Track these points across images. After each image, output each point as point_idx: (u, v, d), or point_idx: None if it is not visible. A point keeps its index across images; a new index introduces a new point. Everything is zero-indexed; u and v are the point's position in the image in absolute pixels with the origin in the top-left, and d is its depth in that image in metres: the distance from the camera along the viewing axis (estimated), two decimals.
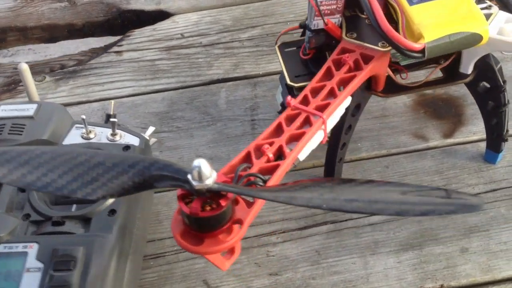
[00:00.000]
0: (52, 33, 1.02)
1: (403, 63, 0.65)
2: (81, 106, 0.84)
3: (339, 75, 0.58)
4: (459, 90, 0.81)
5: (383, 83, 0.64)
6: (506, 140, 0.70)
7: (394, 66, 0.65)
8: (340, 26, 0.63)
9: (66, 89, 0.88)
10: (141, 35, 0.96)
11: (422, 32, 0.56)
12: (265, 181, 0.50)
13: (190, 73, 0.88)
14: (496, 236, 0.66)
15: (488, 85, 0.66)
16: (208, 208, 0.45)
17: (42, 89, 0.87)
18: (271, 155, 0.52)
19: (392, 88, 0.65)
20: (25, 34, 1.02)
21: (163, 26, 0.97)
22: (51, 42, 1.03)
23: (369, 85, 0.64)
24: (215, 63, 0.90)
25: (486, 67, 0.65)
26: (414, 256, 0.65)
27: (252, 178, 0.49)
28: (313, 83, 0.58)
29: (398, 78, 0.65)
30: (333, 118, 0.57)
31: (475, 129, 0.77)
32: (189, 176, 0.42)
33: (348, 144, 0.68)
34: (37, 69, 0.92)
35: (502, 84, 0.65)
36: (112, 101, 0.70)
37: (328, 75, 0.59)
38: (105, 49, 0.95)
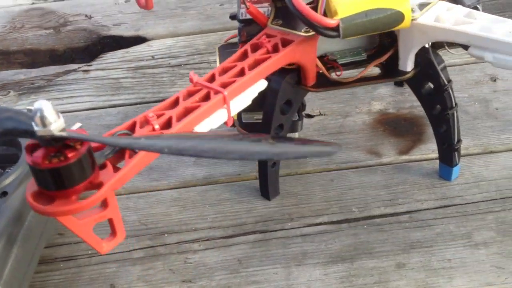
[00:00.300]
0: (34, 58, 1.04)
1: (340, 61, 0.62)
2: None
3: (253, 56, 0.55)
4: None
5: (313, 77, 0.60)
6: (457, 150, 0.64)
7: (330, 64, 0.61)
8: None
9: (26, 102, 0.87)
10: (112, 56, 0.96)
11: (336, 8, 0.52)
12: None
13: (152, 90, 0.87)
14: (440, 253, 0.59)
15: (432, 86, 0.61)
16: (55, 160, 0.41)
17: (4, 102, 0.87)
18: (157, 126, 0.48)
19: (324, 83, 0.61)
20: (8, 59, 1.04)
21: (136, 49, 0.97)
22: (33, 67, 1.04)
23: (299, 80, 0.60)
24: (179, 82, 0.88)
25: (428, 64, 0.60)
26: (343, 269, 0.58)
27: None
28: (225, 63, 0.55)
29: (331, 74, 0.61)
30: (240, 100, 0.53)
31: (434, 147, 0.70)
32: (33, 122, 0.39)
33: None
34: (8, 86, 0.93)
35: (446, 83, 0.60)
36: None
37: (243, 57, 0.56)
38: (76, 69, 0.95)
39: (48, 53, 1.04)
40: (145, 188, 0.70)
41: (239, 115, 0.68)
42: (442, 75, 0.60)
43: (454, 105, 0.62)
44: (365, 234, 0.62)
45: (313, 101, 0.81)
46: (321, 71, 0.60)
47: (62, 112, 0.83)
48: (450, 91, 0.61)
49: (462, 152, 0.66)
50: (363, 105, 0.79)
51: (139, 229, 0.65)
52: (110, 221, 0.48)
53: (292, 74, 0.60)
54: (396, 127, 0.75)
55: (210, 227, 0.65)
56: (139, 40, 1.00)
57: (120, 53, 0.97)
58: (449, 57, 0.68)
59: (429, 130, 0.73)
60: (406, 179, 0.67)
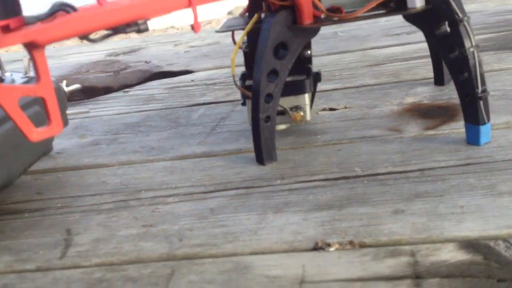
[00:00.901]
0: (90, 94, 1.07)
1: (347, 10, 0.56)
2: None
3: None
4: None
5: (309, 15, 0.55)
6: (484, 102, 0.53)
7: (332, 7, 0.56)
8: None
9: None
10: (156, 82, 0.96)
11: None
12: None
13: (180, 100, 0.84)
14: (451, 201, 0.47)
15: (448, 29, 0.53)
16: None
17: None
18: None
19: (323, 20, 0.55)
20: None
21: (180, 78, 0.97)
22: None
23: (295, 19, 0.55)
24: (208, 93, 0.85)
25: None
26: (327, 215, 0.48)
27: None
28: None
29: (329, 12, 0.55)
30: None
31: None
32: None
33: (277, 99, 0.57)
34: None
35: (461, 16, 0.52)
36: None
37: None
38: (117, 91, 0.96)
39: (103, 90, 1.06)
40: (139, 161, 0.65)
41: (243, 79, 0.63)
42: (456, 8, 0.53)
43: (473, 44, 0.53)
44: (363, 187, 0.51)
45: (341, 99, 0.74)
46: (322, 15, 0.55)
47: (88, 117, 0.83)
48: (467, 26, 0.53)
49: (502, 125, 0.55)
50: (394, 100, 0.70)
51: (118, 188, 0.59)
52: (44, 103, 0.44)
53: (284, 12, 0.55)
54: (427, 112, 0.65)
55: (191, 185, 0.57)
56: (186, 73, 1.00)
57: (164, 80, 0.97)
58: None
59: None
60: (425, 146, 0.57)
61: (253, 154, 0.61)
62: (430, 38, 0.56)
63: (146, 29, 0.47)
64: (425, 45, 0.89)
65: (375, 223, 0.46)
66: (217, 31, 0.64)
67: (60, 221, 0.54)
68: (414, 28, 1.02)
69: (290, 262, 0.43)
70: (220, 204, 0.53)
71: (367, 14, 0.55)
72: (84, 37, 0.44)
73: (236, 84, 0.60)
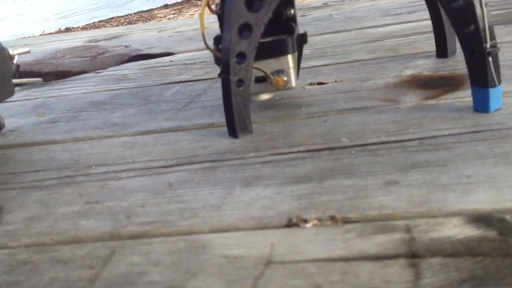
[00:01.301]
0: (63, 78, 0.99)
1: None
2: None
3: None
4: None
5: None
6: (493, 58, 0.45)
7: None
8: None
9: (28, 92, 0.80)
10: (132, 64, 0.88)
11: None
12: None
13: (155, 79, 0.76)
14: (455, 171, 0.38)
15: None
16: None
17: None
18: None
19: None
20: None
21: (158, 59, 0.89)
22: None
23: None
24: (186, 72, 0.77)
25: None
26: (305, 187, 0.39)
27: None
28: None
29: None
30: None
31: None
32: None
33: (251, 60, 0.49)
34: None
35: None
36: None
37: None
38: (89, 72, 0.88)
39: (77, 74, 0.98)
40: (96, 137, 0.57)
41: (217, 43, 0.55)
42: None
43: None
44: (349, 158, 0.43)
45: (331, 73, 0.65)
46: None
47: (51, 97, 0.75)
48: None
49: None
50: (391, 73, 0.62)
51: (66, 164, 0.51)
52: None
53: None
54: (428, 83, 0.57)
55: (150, 160, 0.49)
56: (166, 55, 0.92)
57: (140, 62, 0.89)
58: None
59: None
60: (425, 115, 0.48)
61: (226, 129, 0.52)
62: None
63: None
64: (427, 23, 0.81)
65: (362, 196, 0.37)
66: None
67: None
68: (415, 7, 0.95)
69: (256, 241, 0.34)
70: (181, 178, 0.44)
71: None
72: None
73: (206, 45, 0.52)
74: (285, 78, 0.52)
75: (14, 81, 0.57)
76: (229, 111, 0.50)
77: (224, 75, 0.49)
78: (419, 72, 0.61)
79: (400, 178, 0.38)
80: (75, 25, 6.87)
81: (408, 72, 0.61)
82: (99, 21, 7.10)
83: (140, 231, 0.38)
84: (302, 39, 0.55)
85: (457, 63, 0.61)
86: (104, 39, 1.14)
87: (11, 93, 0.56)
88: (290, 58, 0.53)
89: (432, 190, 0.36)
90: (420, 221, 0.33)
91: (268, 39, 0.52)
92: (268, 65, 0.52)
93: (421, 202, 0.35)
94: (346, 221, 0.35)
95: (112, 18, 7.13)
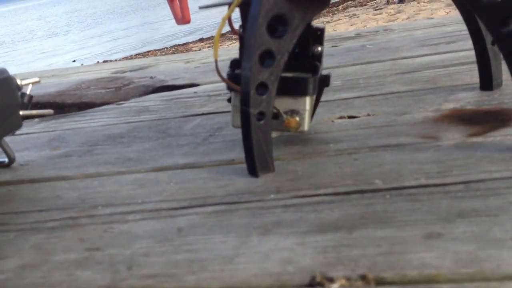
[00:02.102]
0: (86, 109, 0.96)
1: None
2: None
3: None
4: None
5: None
6: None
7: None
8: None
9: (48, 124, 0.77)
10: (155, 95, 0.85)
11: None
12: None
13: (176, 111, 0.72)
14: (510, 222, 0.32)
15: None
16: None
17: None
18: None
19: None
20: (62, 112, 0.97)
21: (182, 91, 0.85)
22: None
23: None
24: (210, 104, 0.73)
25: None
26: (332, 238, 0.34)
27: None
28: None
29: None
30: None
31: None
32: None
33: (273, 91, 0.44)
34: None
35: None
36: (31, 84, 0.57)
37: None
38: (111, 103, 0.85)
39: (100, 106, 0.95)
40: (108, 173, 0.52)
41: (233, 67, 0.51)
42: None
43: None
44: (384, 203, 0.37)
45: (363, 106, 0.60)
46: None
47: (68, 129, 0.71)
48: None
49: None
50: (430, 106, 0.57)
51: (72, 203, 0.46)
52: None
53: None
54: (472, 118, 0.51)
55: (161, 200, 0.44)
56: (191, 86, 0.88)
57: (164, 93, 0.85)
58: None
59: None
60: (471, 155, 0.43)
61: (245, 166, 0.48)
62: (472, 11, 0.43)
63: None
64: (468, 53, 0.75)
65: (399, 251, 0.32)
66: (200, 7, 0.52)
67: None
68: (454, 37, 0.90)
69: None
70: (192, 223, 0.39)
71: None
72: None
73: (218, 71, 0.47)
74: (298, 120, 0.48)
75: (22, 113, 0.53)
76: (249, 147, 0.45)
77: (244, 108, 0.44)
78: (461, 105, 0.55)
79: (444, 230, 0.33)
80: (112, 58, 7.01)
81: (449, 105, 0.56)
82: (136, 55, 7.23)
83: (141, 285, 0.33)
84: (325, 81, 0.50)
85: (504, 96, 0.55)
86: (131, 70, 1.11)
87: (18, 126, 0.52)
88: (308, 100, 0.48)
89: (482, 246, 0.30)
90: (469, 286, 0.27)
91: (289, 75, 0.47)
92: (282, 103, 0.48)
93: (469, 261, 0.29)
94: (380, 281, 0.29)
95: (148, 51, 7.25)
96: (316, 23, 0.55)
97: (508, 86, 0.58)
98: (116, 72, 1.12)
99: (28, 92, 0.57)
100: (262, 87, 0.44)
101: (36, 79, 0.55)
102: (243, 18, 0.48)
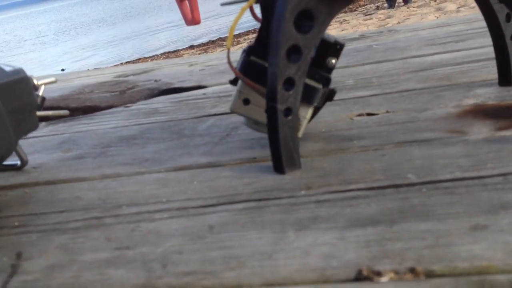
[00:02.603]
0: (91, 113, 0.95)
1: None
2: None
3: None
4: None
5: None
6: None
7: None
8: None
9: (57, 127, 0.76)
10: (162, 97, 0.84)
11: None
12: None
13: (187, 112, 0.71)
14: None
15: None
16: None
17: None
18: None
19: None
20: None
21: (190, 92, 0.84)
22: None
23: None
24: (221, 105, 0.72)
25: None
26: (373, 232, 0.33)
27: None
28: None
29: None
30: None
31: None
32: None
33: (300, 86, 0.43)
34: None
35: None
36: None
37: None
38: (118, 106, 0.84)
39: (106, 109, 0.94)
40: (126, 174, 0.51)
41: (248, 53, 0.49)
42: None
43: None
44: (422, 197, 0.37)
45: (380, 104, 0.60)
46: None
47: (78, 132, 0.70)
48: None
49: None
50: (450, 102, 0.56)
51: (93, 204, 0.45)
52: None
53: None
54: (496, 112, 0.51)
55: (187, 199, 0.43)
56: (198, 88, 0.87)
57: (172, 95, 0.84)
58: None
59: None
60: (503, 148, 0.42)
61: (270, 164, 0.47)
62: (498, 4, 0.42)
63: None
64: (480, 51, 0.75)
65: (445, 243, 0.31)
66: (222, 4, 0.51)
67: (12, 242, 0.41)
68: (462, 36, 0.90)
69: None
70: (223, 220, 0.38)
71: None
72: None
73: (229, 63, 0.46)
74: None
75: (39, 113, 0.52)
76: (276, 143, 0.44)
77: (270, 103, 0.43)
78: (482, 101, 0.54)
79: (489, 222, 0.32)
80: (103, 66, 6.99)
81: (470, 101, 0.55)
82: (126, 62, 7.21)
83: (178, 283, 0.32)
84: (330, 95, 0.49)
85: None
86: (134, 74, 1.10)
87: (35, 126, 0.51)
88: (311, 110, 0.48)
89: None
90: None
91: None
92: None
93: None
94: (430, 274, 0.28)
95: (139, 59, 7.23)
96: None
97: None
98: (119, 76, 1.11)
99: (40, 94, 0.56)
100: (289, 83, 0.43)
101: (53, 79, 0.54)
102: (264, 12, 0.48)
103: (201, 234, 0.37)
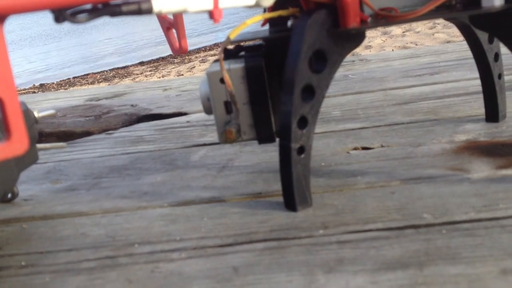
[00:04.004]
0: (65, 139, 0.93)
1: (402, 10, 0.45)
2: None
3: None
4: None
5: (355, 15, 0.43)
6: None
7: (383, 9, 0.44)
8: None
9: None
10: (145, 124, 0.83)
11: None
12: None
13: (175, 142, 0.71)
14: None
15: None
16: None
17: None
18: None
19: (371, 22, 0.43)
20: (40, 141, 0.94)
21: (172, 119, 0.83)
22: None
23: (336, 21, 0.43)
24: (209, 134, 0.72)
25: None
26: (405, 276, 0.34)
27: None
28: None
29: (382, 12, 0.43)
30: None
31: None
32: None
33: (313, 125, 0.44)
34: None
35: None
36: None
37: None
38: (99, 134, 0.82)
39: (82, 135, 0.92)
40: (128, 208, 0.51)
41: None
42: None
43: None
44: (444, 239, 0.38)
45: (373, 137, 0.61)
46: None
47: (63, 161, 0.69)
48: None
49: None
50: (442, 138, 0.58)
51: (102, 241, 0.44)
52: (2, 105, 0.30)
53: (324, 12, 0.43)
54: (491, 150, 0.53)
55: (202, 237, 0.43)
56: (180, 115, 0.87)
57: (154, 122, 0.84)
58: None
59: None
60: (510, 187, 0.44)
61: (277, 199, 0.47)
62: (510, 45, 0.44)
63: (149, 11, 0.34)
64: (456, 85, 0.78)
65: (479, 286, 0.32)
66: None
67: (24, 284, 0.39)
68: (435, 68, 0.93)
69: None
70: (246, 261, 0.38)
71: (427, 14, 0.43)
72: (61, 12, 0.30)
73: (221, 60, 0.46)
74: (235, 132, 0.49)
75: (38, 146, 0.51)
76: (288, 181, 0.44)
77: (284, 142, 0.44)
78: (474, 137, 0.57)
79: None
80: (49, 81, 6.81)
81: (462, 137, 0.57)
82: (74, 77, 7.06)
83: None
84: None
85: None
86: (106, 98, 1.09)
87: (36, 159, 0.50)
88: None
89: None
90: None
91: None
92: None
93: None
94: None
95: (87, 74, 7.10)
96: None
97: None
98: (91, 100, 1.09)
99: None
100: (303, 122, 0.44)
101: (52, 112, 0.53)
102: (269, 53, 0.48)
103: (227, 277, 0.37)
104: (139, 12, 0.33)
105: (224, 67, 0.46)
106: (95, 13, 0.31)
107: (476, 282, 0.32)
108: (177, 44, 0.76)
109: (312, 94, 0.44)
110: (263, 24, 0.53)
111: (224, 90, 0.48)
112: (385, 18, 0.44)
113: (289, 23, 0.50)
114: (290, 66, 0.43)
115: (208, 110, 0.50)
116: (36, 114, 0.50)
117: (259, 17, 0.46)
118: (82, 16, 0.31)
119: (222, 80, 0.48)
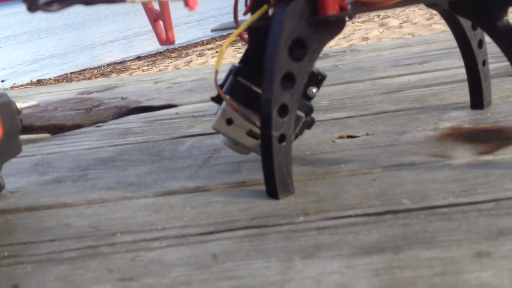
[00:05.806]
0: (56, 133, 0.93)
1: None
2: None
3: None
4: None
5: (335, 4, 0.43)
6: None
7: None
8: None
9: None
10: (134, 116, 0.83)
11: None
12: None
13: (163, 133, 0.71)
14: None
15: None
16: None
17: None
18: None
19: (353, 9, 0.43)
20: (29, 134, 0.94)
21: (161, 111, 0.84)
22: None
23: (315, 9, 0.43)
24: (197, 125, 0.72)
25: None
26: (380, 260, 0.34)
27: None
28: None
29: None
30: None
31: None
32: None
33: (293, 113, 0.44)
34: None
35: None
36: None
37: None
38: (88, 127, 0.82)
39: (73, 127, 0.92)
40: (113, 199, 0.51)
41: (235, 74, 0.50)
42: None
43: None
44: (421, 223, 0.38)
45: (359, 126, 0.61)
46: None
47: (51, 153, 0.69)
48: None
49: None
50: (427, 125, 0.58)
51: (85, 231, 0.45)
52: None
53: (302, 0, 0.43)
54: (474, 136, 0.53)
55: (184, 226, 0.43)
56: (169, 107, 0.87)
57: (143, 114, 0.84)
58: None
59: None
60: (489, 173, 0.44)
61: (260, 187, 0.47)
62: (488, 30, 0.45)
63: None
64: (445, 73, 0.78)
65: (454, 271, 0.32)
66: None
67: (6, 274, 0.39)
68: (425, 57, 0.93)
69: None
70: (226, 248, 0.38)
71: (407, 0, 0.43)
72: (33, 2, 0.30)
73: (216, 85, 0.47)
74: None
75: (22, 137, 0.51)
76: (270, 169, 0.44)
77: (265, 130, 0.44)
78: (458, 124, 0.57)
79: (491, 249, 0.33)
80: (47, 77, 6.81)
81: (446, 124, 0.57)
82: (71, 73, 7.06)
83: None
84: (310, 124, 0.51)
85: (497, 114, 0.58)
86: (97, 91, 1.09)
87: (19, 150, 0.50)
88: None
89: None
90: None
91: None
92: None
93: None
94: None
95: (85, 70, 7.09)
96: None
97: (497, 104, 0.60)
98: (82, 93, 1.09)
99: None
100: (283, 110, 0.44)
101: (35, 103, 0.53)
102: (252, 42, 0.48)
103: (206, 264, 0.37)
104: (111, 0, 0.33)
105: (227, 99, 0.48)
106: (67, 1, 0.31)
107: (451, 265, 0.32)
108: (164, 36, 0.76)
109: (292, 82, 0.44)
110: (245, 13, 0.53)
111: (236, 128, 0.49)
112: (364, 5, 0.44)
113: (270, 11, 0.50)
114: (270, 55, 0.43)
115: (243, 150, 0.52)
116: (18, 105, 0.50)
117: (241, 28, 0.46)
118: (54, 5, 0.31)
119: (228, 122, 0.49)
